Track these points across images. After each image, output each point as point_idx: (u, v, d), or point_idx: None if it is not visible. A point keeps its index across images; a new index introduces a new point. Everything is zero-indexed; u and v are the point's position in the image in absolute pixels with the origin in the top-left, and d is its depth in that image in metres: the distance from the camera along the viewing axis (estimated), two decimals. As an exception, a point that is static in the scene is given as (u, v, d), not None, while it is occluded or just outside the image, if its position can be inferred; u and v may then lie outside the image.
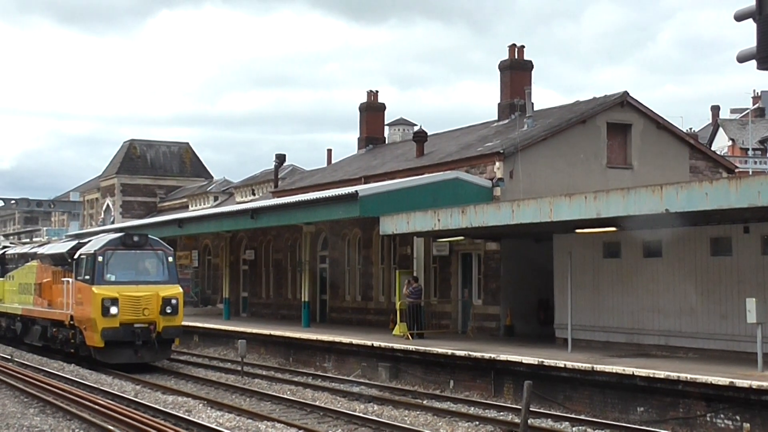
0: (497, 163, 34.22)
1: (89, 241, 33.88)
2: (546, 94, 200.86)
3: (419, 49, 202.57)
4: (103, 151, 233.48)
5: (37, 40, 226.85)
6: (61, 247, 36.29)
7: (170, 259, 32.25)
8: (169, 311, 31.11)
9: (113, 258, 31.34)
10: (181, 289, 32.29)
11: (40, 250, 39.01)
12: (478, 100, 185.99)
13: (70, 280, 32.77)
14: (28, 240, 76.10)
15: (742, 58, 15.24)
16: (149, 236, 32.97)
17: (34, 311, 37.76)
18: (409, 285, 32.89)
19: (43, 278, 36.80)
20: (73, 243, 34.95)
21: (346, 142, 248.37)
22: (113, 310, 30.37)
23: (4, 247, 56.46)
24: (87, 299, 31.03)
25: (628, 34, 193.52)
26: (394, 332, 33.11)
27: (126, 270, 31.54)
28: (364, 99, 51.86)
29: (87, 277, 31.34)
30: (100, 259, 31.06)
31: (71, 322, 32.52)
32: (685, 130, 44.58)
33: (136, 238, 32.15)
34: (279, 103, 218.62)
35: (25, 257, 41.32)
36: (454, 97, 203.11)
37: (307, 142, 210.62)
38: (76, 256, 32.55)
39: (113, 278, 31.17)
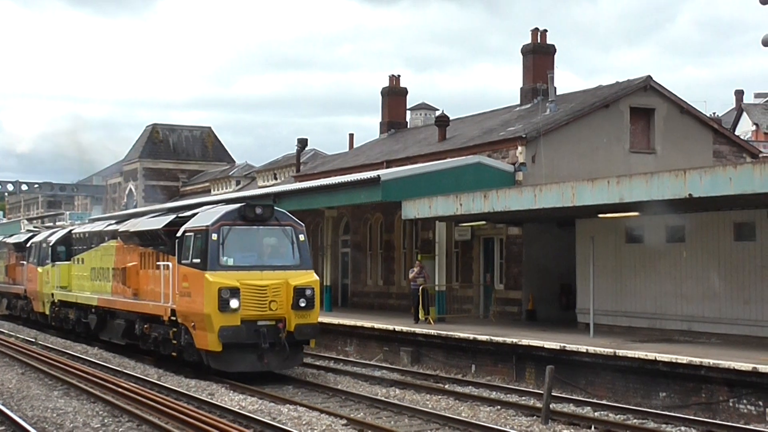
0: (519, 148, 34.14)
1: (193, 214, 26.76)
2: (564, 76, 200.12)
3: (434, 31, 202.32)
4: (120, 135, 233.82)
5: (49, 22, 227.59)
6: (154, 222, 29.11)
7: (302, 237, 25.54)
8: (302, 305, 24.45)
9: (231, 235, 24.56)
10: (316, 276, 25.66)
11: (122, 227, 31.72)
12: (496, 83, 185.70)
13: (170, 264, 26.16)
14: (51, 224, 76.33)
15: (768, 42, 15.16)
16: (275, 208, 26.26)
17: (115, 302, 31.23)
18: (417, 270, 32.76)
19: (127, 261, 30.34)
20: (170, 217, 28.12)
21: (365, 125, 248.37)
22: (233, 303, 23.74)
23: (45, 227, 55.75)
24: (197, 289, 24.39)
25: (647, 15, 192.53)
26: (420, 317, 32.70)
27: (247, 251, 24.87)
28: (382, 82, 52.33)
29: (196, 260, 24.62)
30: (214, 237, 24.22)
31: (172, 318, 25.95)
32: (708, 115, 44.31)
33: (259, 210, 25.10)
34: (296, 85, 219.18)
35: (99, 236, 34.50)
36: (471, 80, 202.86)
37: (325, 125, 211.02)
38: (178, 234, 25.80)
39: (231, 262, 24.43)
